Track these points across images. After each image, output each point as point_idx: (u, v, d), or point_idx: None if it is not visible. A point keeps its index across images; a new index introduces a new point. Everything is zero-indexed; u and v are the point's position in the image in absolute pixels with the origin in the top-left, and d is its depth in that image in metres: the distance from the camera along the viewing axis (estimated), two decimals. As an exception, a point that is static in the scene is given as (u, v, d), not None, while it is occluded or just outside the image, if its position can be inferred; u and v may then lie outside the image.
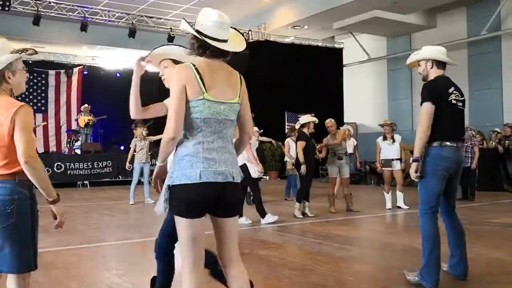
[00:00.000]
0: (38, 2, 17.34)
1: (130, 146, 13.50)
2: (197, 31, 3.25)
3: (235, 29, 3.43)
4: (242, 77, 3.43)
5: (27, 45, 21.53)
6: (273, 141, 16.12)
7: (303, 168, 10.00)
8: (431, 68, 5.14)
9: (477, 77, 20.15)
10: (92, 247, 7.65)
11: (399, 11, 19.61)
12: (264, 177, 20.14)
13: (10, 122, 3.11)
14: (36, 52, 3.44)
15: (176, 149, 3.22)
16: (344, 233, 8.43)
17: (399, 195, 11.47)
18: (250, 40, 21.04)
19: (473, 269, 5.37)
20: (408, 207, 11.29)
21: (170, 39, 19.50)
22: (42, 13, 17.37)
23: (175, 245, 3.48)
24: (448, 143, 4.93)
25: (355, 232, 8.83)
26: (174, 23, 20.19)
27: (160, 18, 20.00)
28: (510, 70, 19.33)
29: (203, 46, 3.26)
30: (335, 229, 8.78)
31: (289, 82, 20.87)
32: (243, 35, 3.54)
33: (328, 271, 5.77)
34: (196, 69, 3.16)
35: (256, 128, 11.30)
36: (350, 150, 12.36)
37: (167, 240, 4.05)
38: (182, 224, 3.16)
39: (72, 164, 17.94)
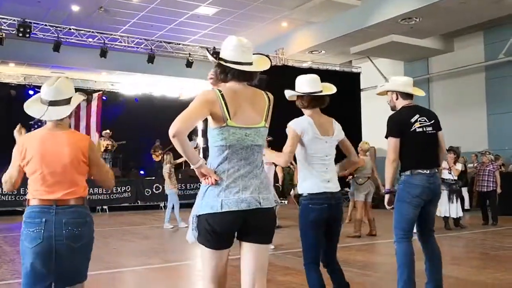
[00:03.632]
0: (58, 28, 17.54)
1: (167, 172, 13.57)
2: (219, 58, 3.25)
3: (259, 53, 3.43)
4: (270, 96, 3.39)
5: (47, 71, 21.96)
6: (291, 166, 16.01)
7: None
8: (397, 99, 5.26)
9: (495, 101, 20.00)
10: (111, 272, 7.66)
11: (416, 36, 19.60)
12: (283, 201, 20.05)
13: (87, 156, 3.62)
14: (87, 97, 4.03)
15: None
16: (363, 259, 8.37)
17: None
18: (268, 65, 21.07)
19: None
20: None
21: (189, 64, 19.62)
22: (62, 39, 17.55)
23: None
24: (419, 170, 4.98)
25: (375, 258, 8.77)
26: (193, 48, 20.34)
27: (179, 44, 20.13)
28: (529, 93, 19.19)
29: (224, 71, 3.26)
30: (354, 255, 8.72)
31: (307, 106, 20.74)
32: (268, 57, 3.49)
33: (348, 298, 5.72)
34: (222, 95, 3.13)
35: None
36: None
37: (305, 257, 4.41)
38: (205, 253, 3.16)
39: (91, 189, 17.71)
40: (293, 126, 4.48)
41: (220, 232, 3.08)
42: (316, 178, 4.40)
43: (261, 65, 3.34)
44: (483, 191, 13.33)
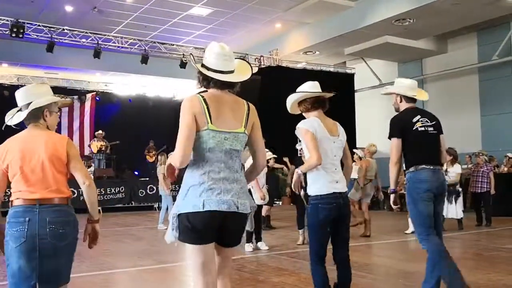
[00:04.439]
0: (51, 29, 17.46)
1: (162, 173, 13.55)
2: (202, 65, 3.37)
3: (242, 59, 3.52)
4: (251, 105, 3.47)
5: (40, 72, 21.88)
6: (285, 168, 16.01)
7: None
8: (401, 102, 5.41)
9: (489, 102, 20.06)
10: (104, 274, 7.63)
11: (410, 37, 19.64)
12: (276, 202, 20.04)
13: (65, 153, 3.62)
14: (72, 102, 4.00)
15: (183, 178, 3.32)
16: (358, 259, 8.34)
17: None
18: (262, 66, 21.03)
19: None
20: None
21: (183, 65, 19.58)
22: (55, 40, 17.47)
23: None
24: (424, 166, 5.08)
25: (369, 259, 8.76)
26: (187, 49, 20.27)
27: (173, 45, 20.09)
28: (522, 95, 19.23)
29: (206, 78, 3.39)
30: (349, 255, 8.69)
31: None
32: (249, 63, 3.61)
33: (342, 299, 5.71)
34: (204, 100, 3.26)
35: (270, 153, 11.31)
36: (355, 175, 11.96)
37: (312, 257, 4.68)
38: (191, 250, 3.27)
39: (84, 189, 17.76)
40: (305, 127, 4.58)
41: (201, 229, 3.19)
42: (325, 180, 4.52)
43: (241, 72, 3.45)
44: (477, 192, 13.35)
